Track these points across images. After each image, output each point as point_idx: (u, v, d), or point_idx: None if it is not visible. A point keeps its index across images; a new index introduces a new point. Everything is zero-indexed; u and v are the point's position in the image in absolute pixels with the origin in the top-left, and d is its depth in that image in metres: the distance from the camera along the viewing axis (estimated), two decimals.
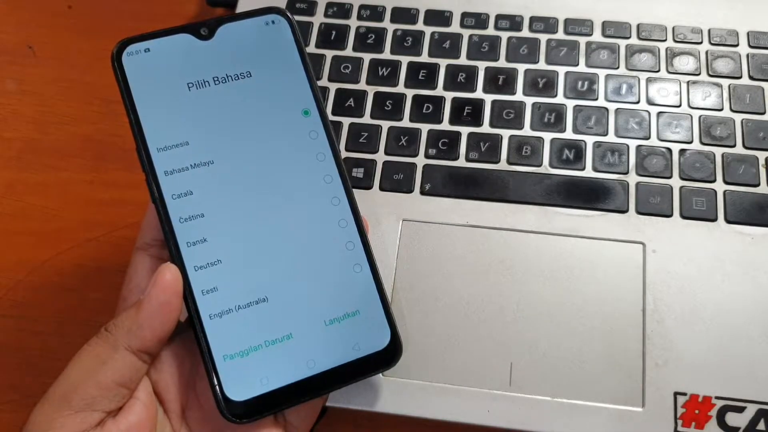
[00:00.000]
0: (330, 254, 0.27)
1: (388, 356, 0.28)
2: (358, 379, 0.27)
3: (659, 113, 0.39)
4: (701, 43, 0.41)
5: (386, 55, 0.42)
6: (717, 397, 0.32)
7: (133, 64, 0.27)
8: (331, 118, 0.39)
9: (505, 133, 0.39)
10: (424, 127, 0.39)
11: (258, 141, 0.27)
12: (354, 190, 0.29)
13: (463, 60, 0.41)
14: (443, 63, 0.41)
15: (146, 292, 0.25)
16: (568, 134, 0.39)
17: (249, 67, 0.28)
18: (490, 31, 0.42)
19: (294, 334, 0.26)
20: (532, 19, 0.42)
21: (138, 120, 0.26)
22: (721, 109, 0.39)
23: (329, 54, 0.42)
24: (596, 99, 0.40)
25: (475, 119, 0.39)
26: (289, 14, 0.29)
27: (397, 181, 0.37)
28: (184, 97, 0.27)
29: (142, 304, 0.25)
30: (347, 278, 0.27)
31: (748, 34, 0.41)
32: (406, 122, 0.39)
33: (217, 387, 0.25)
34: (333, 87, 0.40)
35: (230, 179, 0.27)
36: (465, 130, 0.39)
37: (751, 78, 0.40)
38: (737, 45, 0.41)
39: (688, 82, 0.40)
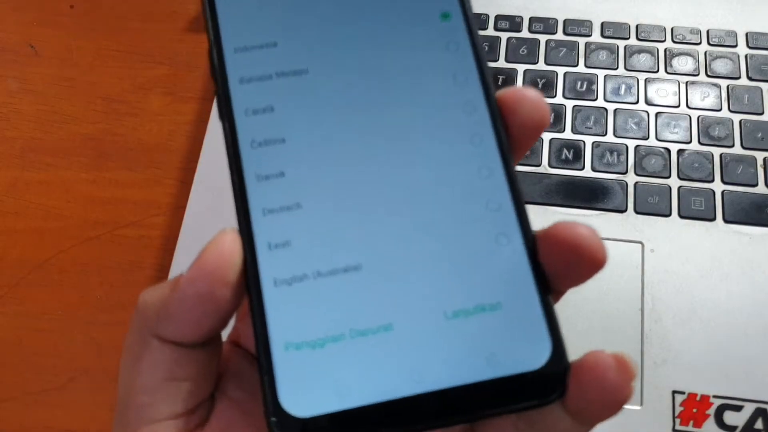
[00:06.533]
0: (461, 215, 0.18)
1: (544, 383, 0.16)
2: (488, 414, 0.17)
3: (658, 113, 0.39)
4: (700, 43, 0.41)
5: None
6: (715, 396, 0.32)
7: None
8: None
9: None
10: None
11: (373, 50, 0.19)
12: None
13: None
14: None
15: (188, 271, 0.17)
16: (567, 134, 0.39)
17: None
18: (490, 31, 0.42)
19: (396, 325, 0.17)
20: (532, 20, 0.43)
21: (213, 7, 0.19)
22: (719, 110, 0.39)
23: None
24: (595, 99, 0.40)
25: None
26: None
27: None
28: None
29: (178, 284, 0.17)
30: (486, 253, 0.18)
31: (746, 35, 0.41)
32: None
33: (268, 391, 0.16)
34: None
35: (327, 97, 0.19)
36: None
37: (749, 78, 0.40)
38: (736, 46, 0.41)
39: (686, 83, 0.40)
